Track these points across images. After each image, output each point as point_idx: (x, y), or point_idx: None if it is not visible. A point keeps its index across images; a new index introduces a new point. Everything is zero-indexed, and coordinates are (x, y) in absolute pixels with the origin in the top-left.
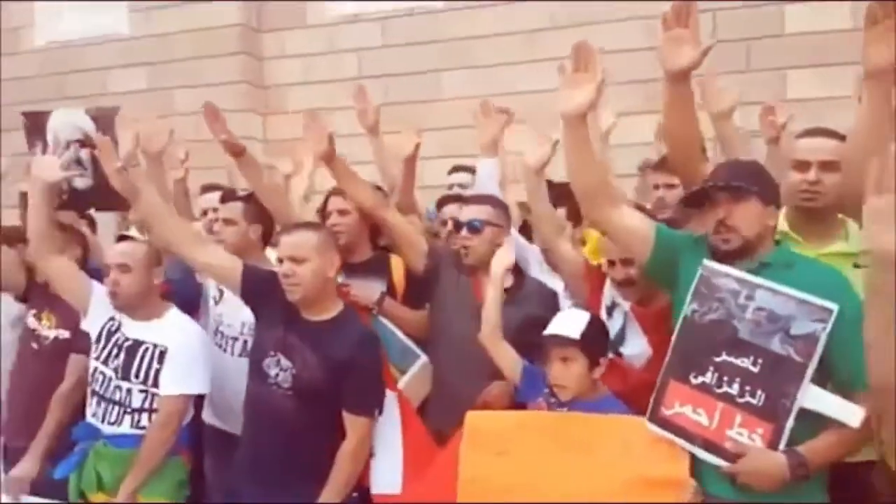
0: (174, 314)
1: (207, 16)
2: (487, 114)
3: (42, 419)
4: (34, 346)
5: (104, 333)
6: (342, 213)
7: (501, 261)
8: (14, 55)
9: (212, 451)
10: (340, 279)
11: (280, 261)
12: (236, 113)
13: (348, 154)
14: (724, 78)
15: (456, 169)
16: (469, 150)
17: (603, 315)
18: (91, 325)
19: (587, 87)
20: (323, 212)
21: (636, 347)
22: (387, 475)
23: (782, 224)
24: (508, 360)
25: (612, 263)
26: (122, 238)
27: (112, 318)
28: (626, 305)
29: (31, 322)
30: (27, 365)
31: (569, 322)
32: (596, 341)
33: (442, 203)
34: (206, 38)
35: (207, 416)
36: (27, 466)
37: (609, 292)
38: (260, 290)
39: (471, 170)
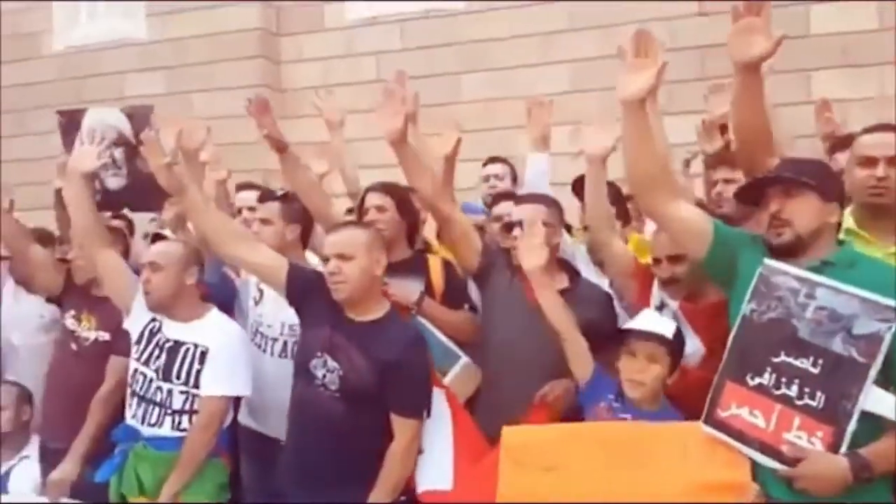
0: (215, 315)
1: (225, 20)
2: (539, 108)
3: (81, 421)
4: (73, 347)
5: (146, 334)
6: (380, 209)
7: (533, 258)
8: (32, 60)
9: (248, 453)
10: None
11: (326, 259)
12: None
13: (367, 159)
14: None
15: (491, 160)
16: (487, 151)
17: None
18: (133, 324)
19: (647, 72)
20: (360, 209)
21: (688, 347)
22: (437, 471)
23: (849, 222)
24: (582, 356)
25: (657, 261)
26: (156, 237)
27: (154, 319)
28: (674, 305)
29: (70, 323)
30: (66, 367)
31: (660, 323)
32: (681, 349)
33: (496, 200)
34: (224, 42)
35: (244, 417)
36: (67, 469)
37: (657, 293)
38: (305, 289)
39: (505, 161)
